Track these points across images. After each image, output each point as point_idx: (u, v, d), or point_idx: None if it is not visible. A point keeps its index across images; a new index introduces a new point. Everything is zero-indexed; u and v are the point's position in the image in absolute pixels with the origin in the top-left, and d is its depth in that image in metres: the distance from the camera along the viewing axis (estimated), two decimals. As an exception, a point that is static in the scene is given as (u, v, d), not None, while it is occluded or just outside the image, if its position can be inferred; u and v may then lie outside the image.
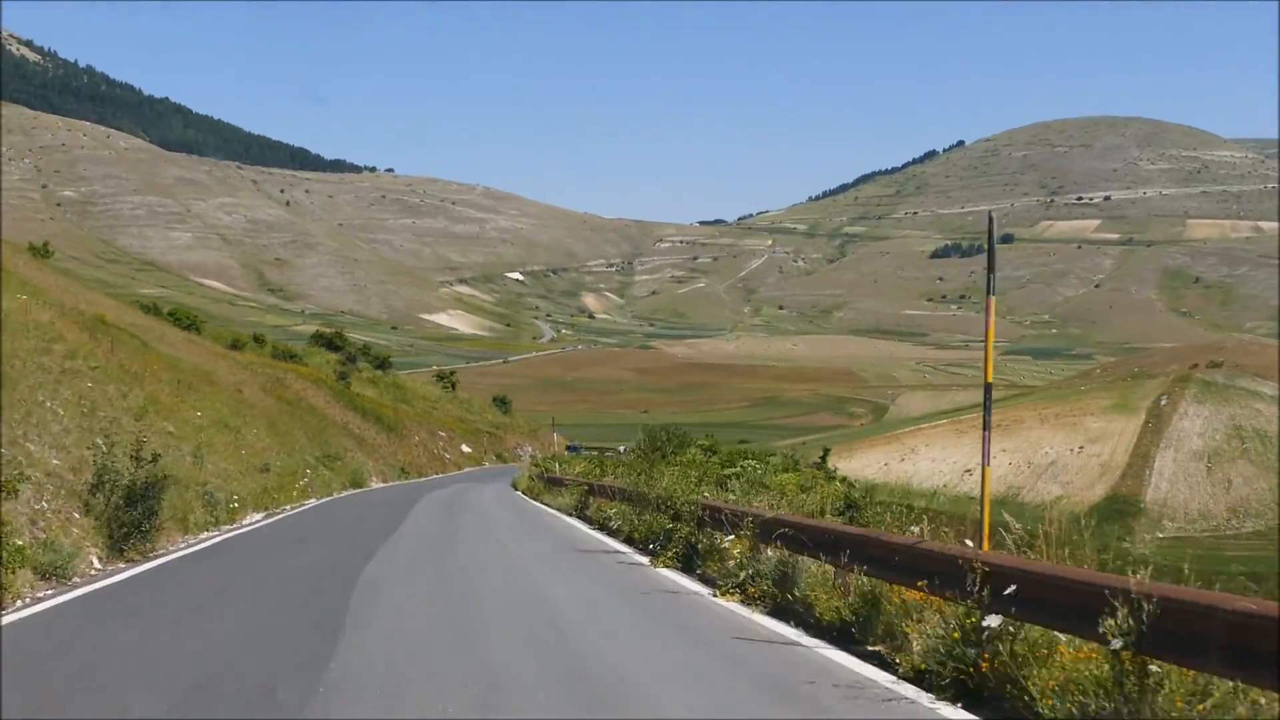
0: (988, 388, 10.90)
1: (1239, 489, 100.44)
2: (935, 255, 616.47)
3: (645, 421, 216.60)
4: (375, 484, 55.96)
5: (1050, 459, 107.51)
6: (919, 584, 9.71)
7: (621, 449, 77.89)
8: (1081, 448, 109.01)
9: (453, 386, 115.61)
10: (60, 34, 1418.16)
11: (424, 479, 68.02)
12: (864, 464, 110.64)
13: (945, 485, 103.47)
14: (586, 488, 31.39)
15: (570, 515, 30.89)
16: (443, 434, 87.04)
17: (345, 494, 44.89)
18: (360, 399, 75.34)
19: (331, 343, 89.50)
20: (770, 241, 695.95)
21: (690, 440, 50.74)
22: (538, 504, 38.97)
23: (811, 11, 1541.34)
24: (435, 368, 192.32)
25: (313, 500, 37.67)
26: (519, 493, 47.84)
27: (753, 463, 43.77)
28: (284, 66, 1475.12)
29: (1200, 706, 6.70)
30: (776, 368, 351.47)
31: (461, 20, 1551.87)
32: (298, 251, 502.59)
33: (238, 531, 23.75)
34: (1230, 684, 6.55)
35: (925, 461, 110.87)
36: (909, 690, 8.90)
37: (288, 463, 40.09)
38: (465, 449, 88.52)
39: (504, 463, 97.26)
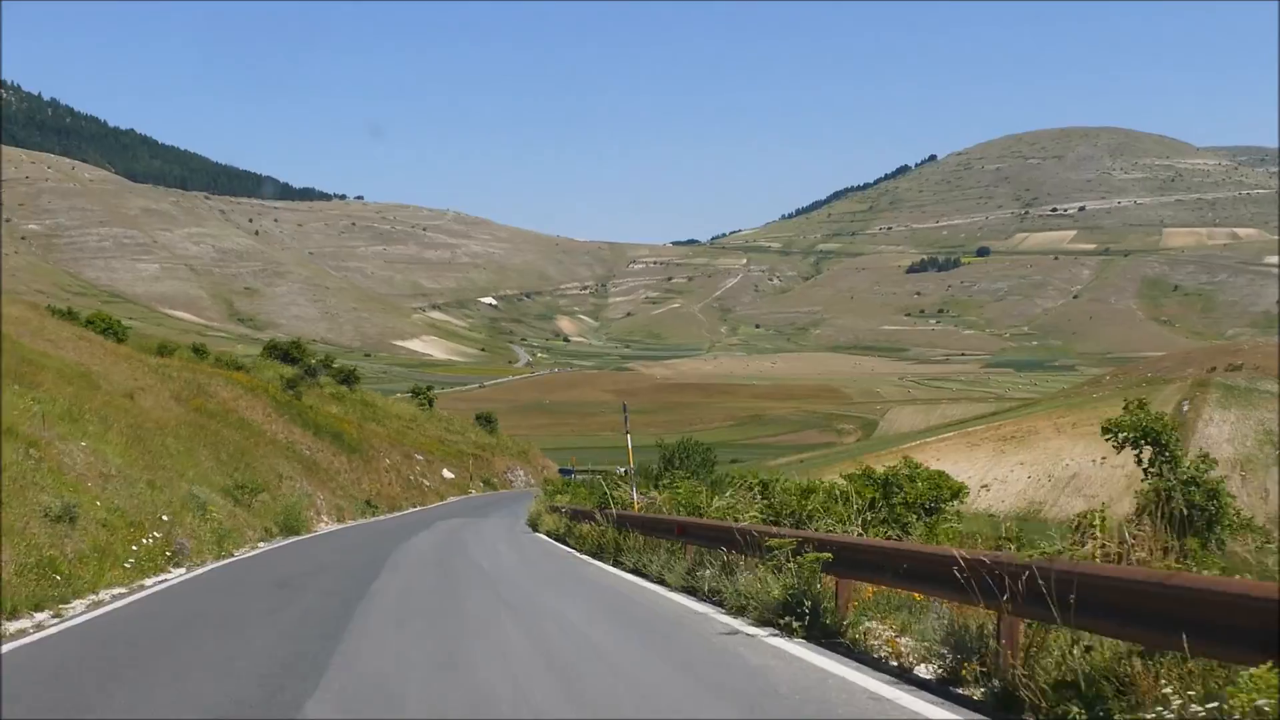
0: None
1: (1276, 498, 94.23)
2: (911, 270, 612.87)
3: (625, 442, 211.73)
4: (324, 525, 41.69)
5: (1072, 471, 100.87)
6: None
7: (620, 470, 70.85)
8: (1104, 458, 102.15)
9: (430, 404, 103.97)
10: (24, 68, 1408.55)
11: (397, 513, 55.20)
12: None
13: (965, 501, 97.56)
14: (822, 550, 12.21)
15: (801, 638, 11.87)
16: (420, 457, 74.95)
17: (262, 549, 29.14)
18: (314, 413, 62.88)
19: (287, 354, 74.92)
20: (744, 260, 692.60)
21: (713, 459, 43.60)
22: (626, 575, 20.16)
23: (779, 29, 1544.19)
24: (400, 395, 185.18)
25: (179, 571, 21.54)
26: (541, 535, 34.87)
27: None
28: (252, 95, 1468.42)
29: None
30: (756, 386, 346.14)
31: (426, 46, 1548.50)
32: (267, 280, 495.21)
33: None
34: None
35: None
36: None
37: (143, 499, 24.70)
38: (447, 474, 77.34)
39: (493, 489, 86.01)
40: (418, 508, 61.34)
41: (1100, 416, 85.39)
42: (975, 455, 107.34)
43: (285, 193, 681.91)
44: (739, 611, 13.65)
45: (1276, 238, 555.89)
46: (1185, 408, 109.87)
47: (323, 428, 60.05)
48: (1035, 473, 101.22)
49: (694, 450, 42.20)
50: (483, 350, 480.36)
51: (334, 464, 56.01)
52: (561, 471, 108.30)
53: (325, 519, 43.77)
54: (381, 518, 50.97)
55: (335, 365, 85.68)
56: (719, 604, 14.71)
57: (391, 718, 8.51)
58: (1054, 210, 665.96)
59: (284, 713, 8.58)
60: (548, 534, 34.90)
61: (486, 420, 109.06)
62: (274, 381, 65.25)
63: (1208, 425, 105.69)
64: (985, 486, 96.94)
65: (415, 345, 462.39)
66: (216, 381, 55.18)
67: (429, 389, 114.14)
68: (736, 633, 12.41)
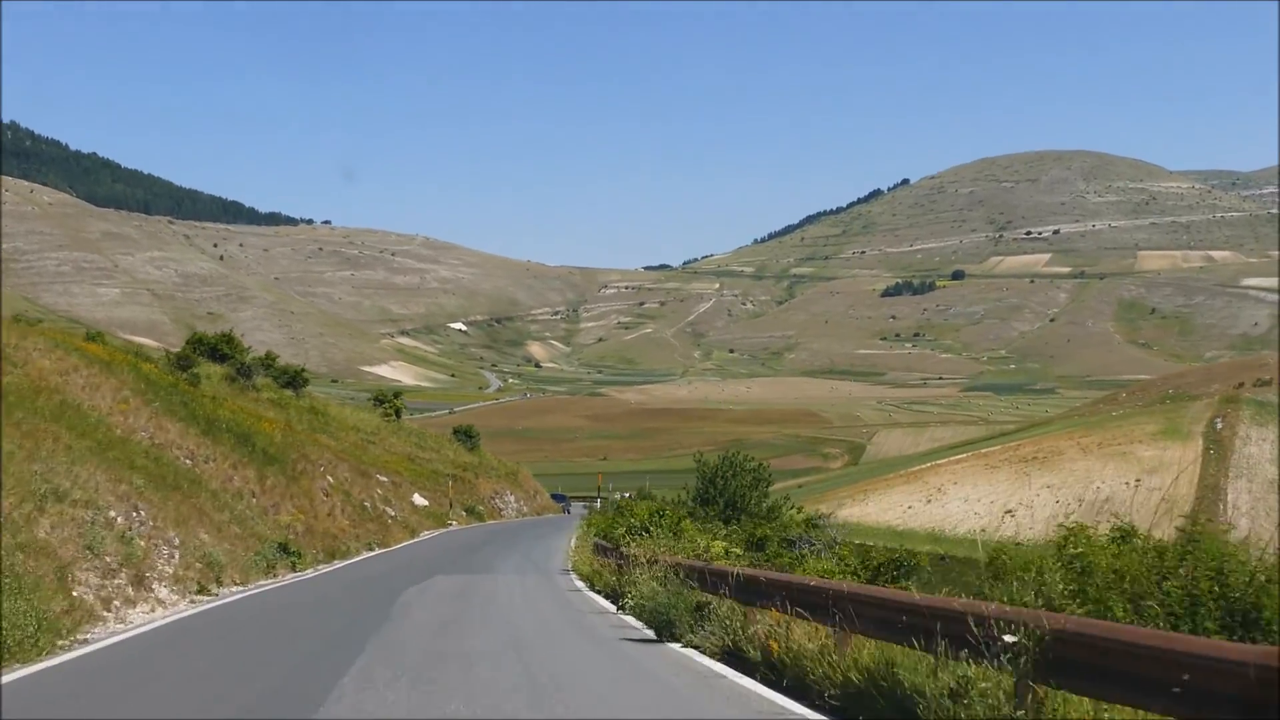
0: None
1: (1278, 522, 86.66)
2: (886, 294, 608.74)
3: (606, 469, 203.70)
4: (136, 614, 19.81)
5: (1104, 495, 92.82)
6: None
7: (620, 495, 62.21)
8: (1138, 480, 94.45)
9: (397, 413, 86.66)
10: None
11: (336, 564, 35.17)
12: (883, 507, 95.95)
13: (984, 530, 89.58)
14: None
15: None
16: (383, 478, 57.45)
17: None
18: (211, 404, 43.35)
19: (216, 349, 59.08)
20: (717, 285, 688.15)
21: (767, 477, 34.83)
22: None
23: (749, 54, 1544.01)
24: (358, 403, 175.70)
25: None
26: (735, 675, 13.87)
27: None
28: (218, 120, 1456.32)
29: None
30: (733, 411, 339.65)
31: (394, 72, 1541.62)
32: (231, 305, 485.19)
33: None
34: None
35: (956, 502, 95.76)
36: None
37: None
38: (419, 500, 60.92)
39: (479, 519, 69.05)
40: (375, 550, 42.09)
41: (1127, 436, 77.27)
42: (996, 478, 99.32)
43: (251, 217, 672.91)
44: None
45: (1253, 260, 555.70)
46: (1219, 425, 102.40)
47: (220, 424, 39.94)
48: (1064, 497, 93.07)
49: (742, 468, 33.17)
50: (452, 376, 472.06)
51: (232, 481, 35.18)
52: (555, 497, 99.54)
53: (161, 590, 21.97)
54: (302, 576, 30.23)
55: (277, 364, 69.92)
56: None
57: None
58: (1028, 233, 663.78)
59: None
60: (765, 682, 13.36)
61: (467, 435, 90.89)
62: (157, 358, 49.38)
63: (1246, 444, 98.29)
64: (1009, 512, 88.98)
65: (383, 371, 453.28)
66: (35, 344, 35.23)
67: (396, 396, 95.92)
68: None
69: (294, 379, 66.22)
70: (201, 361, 52.71)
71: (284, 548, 31.08)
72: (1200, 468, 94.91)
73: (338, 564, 35.32)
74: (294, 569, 30.71)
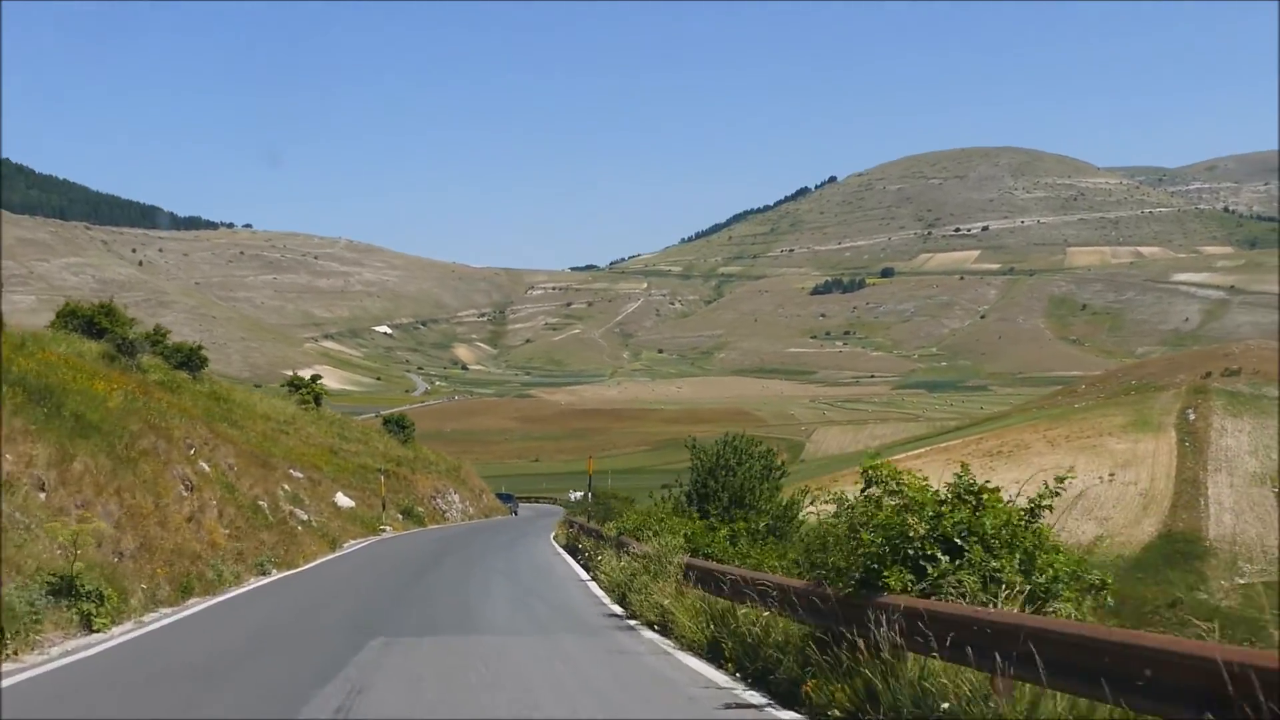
0: None
1: (1277, 523, 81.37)
2: (815, 292, 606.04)
3: (539, 471, 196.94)
4: None
5: (1077, 490, 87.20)
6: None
7: (573, 495, 55.55)
8: (1112, 475, 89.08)
9: (316, 400, 74.30)
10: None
11: (174, 616, 18.51)
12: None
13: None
14: None
15: None
16: (296, 473, 45.70)
17: None
18: (5, 351, 25.35)
19: (93, 323, 46.19)
20: (645, 285, 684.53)
21: (776, 462, 28.84)
22: None
23: (672, 54, 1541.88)
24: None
25: None
26: None
27: None
28: (133, 124, 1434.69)
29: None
30: (665, 410, 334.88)
31: (314, 75, 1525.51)
32: (151, 311, 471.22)
33: None
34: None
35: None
36: None
37: None
38: (344, 500, 48.73)
39: (419, 523, 57.70)
40: (271, 574, 27.49)
41: (1095, 428, 70.91)
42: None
43: (171, 222, 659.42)
44: None
45: (1182, 255, 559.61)
46: (1192, 416, 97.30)
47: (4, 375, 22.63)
48: (1033, 492, 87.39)
49: (749, 454, 27.13)
50: (378, 379, 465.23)
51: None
52: (501, 497, 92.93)
53: None
54: (82, 652, 14.60)
55: (165, 341, 56.80)
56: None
57: None
58: (957, 230, 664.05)
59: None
60: None
61: (400, 425, 79.03)
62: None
63: (1222, 436, 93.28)
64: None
65: (307, 375, 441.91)
66: None
67: (314, 379, 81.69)
68: None
69: (189, 358, 53.13)
70: (74, 338, 41.60)
71: (69, 586, 16.42)
72: (1176, 461, 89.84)
73: (193, 606, 20.30)
74: (89, 626, 16.22)
